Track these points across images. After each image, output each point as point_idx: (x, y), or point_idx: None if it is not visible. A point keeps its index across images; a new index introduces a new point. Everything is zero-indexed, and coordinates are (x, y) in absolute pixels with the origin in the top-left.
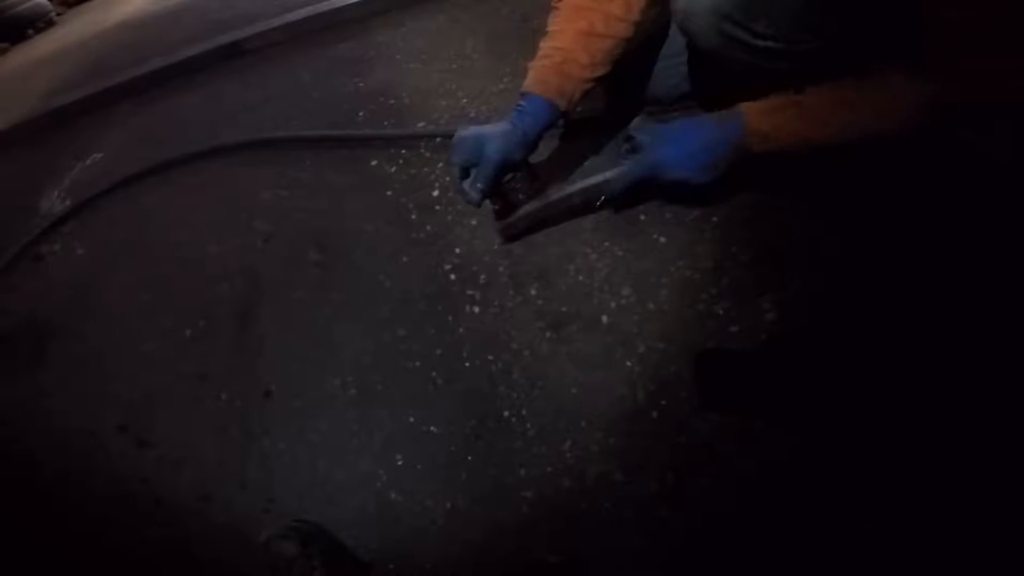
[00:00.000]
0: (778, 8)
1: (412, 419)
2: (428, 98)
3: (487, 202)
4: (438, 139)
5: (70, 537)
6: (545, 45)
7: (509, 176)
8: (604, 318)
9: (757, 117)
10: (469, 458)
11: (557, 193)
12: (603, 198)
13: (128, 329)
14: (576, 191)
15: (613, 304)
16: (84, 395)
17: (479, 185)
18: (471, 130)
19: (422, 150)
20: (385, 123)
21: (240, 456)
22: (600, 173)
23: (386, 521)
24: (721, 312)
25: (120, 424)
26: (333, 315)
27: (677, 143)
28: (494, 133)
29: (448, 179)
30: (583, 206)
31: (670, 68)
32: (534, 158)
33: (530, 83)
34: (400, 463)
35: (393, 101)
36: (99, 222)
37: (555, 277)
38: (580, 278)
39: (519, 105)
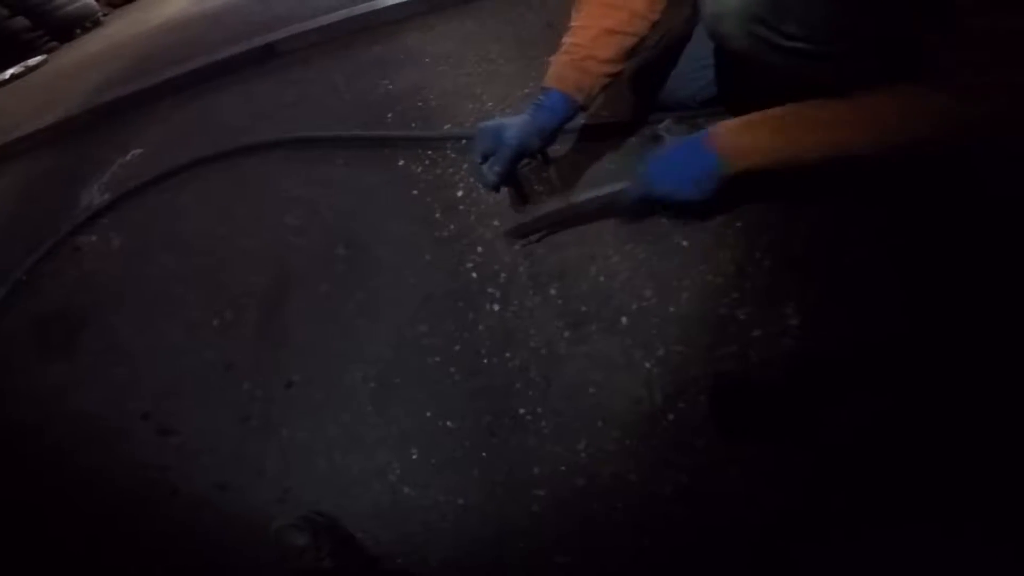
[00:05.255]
0: (806, 10)
1: (429, 414)
2: (455, 101)
3: (506, 202)
4: (464, 141)
5: (87, 522)
6: (567, 40)
7: (524, 162)
8: (624, 319)
9: (728, 134)
10: (483, 454)
11: (571, 199)
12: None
13: (157, 319)
14: (588, 199)
15: (633, 306)
16: (111, 383)
17: (496, 168)
18: (492, 121)
19: (448, 151)
20: (413, 124)
21: (259, 446)
22: (613, 184)
23: (398, 515)
24: (743, 317)
25: (144, 412)
26: (357, 310)
27: (661, 161)
28: (512, 123)
29: (472, 180)
30: (596, 213)
31: (695, 72)
32: (557, 155)
33: (549, 78)
34: (415, 457)
35: (421, 103)
36: (135, 215)
37: (576, 277)
38: (601, 279)
39: (538, 99)
